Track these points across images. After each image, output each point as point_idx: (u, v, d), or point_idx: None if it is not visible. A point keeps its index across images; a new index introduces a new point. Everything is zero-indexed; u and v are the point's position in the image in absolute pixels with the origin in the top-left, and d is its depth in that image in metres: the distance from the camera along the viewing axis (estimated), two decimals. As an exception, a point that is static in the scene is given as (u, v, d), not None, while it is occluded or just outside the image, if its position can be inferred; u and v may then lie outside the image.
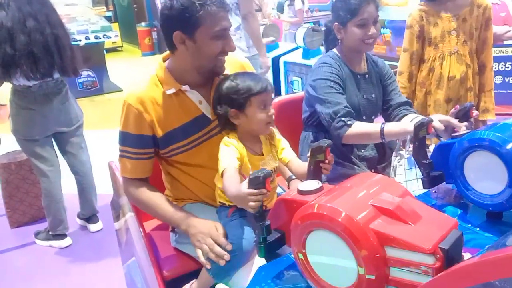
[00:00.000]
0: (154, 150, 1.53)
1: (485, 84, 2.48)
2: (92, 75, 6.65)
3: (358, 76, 1.90)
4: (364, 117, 1.91)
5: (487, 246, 0.96)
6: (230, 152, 1.35)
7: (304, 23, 5.80)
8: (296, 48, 4.58)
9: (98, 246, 2.88)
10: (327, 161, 1.25)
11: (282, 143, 1.53)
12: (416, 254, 0.74)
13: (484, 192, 1.24)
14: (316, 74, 1.84)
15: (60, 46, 2.47)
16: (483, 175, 1.23)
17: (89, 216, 3.00)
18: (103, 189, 2.78)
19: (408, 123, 1.63)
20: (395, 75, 2.04)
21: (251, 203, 1.09)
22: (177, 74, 1.48)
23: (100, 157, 2.77)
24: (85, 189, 2.91)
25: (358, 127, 1.73)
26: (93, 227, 3.00)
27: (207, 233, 1.38)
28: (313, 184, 1.01)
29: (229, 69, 1.51)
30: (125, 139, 1.50)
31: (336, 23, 1.84)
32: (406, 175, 1.83)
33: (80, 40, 6.18)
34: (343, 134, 1.73)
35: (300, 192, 1.01)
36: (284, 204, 1.07)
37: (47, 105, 2.57)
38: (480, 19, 2.35)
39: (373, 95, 1.93)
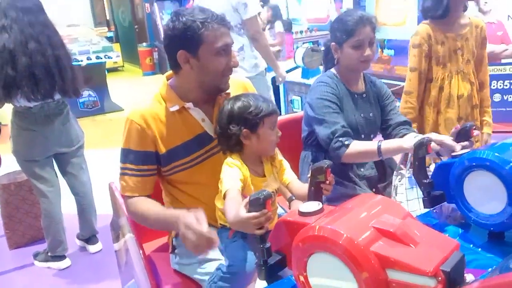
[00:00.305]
0: (157, 167, 1.52)
1: (485, 100, 2.53)
2: (93, 95, 6.69)
3: (356, 95, 1.91)
4: (362, 136, 1.92)
5: (490, 268, 0.95)
6: (233, 173, 1.35)
7: (304, 42, 5.85)
8: (296, 68, 4.62)
9: (98, 267, 2.85)
10: (327, 182, 1.25)
11: (284, 164, 1.54)
12: (418, 276, 0.74)
13: (484, 211, 1.24)
14: (313, 93, 1.86)
15: (61, 67, 2.49)
16: (482, 195, 1.23)
17: (88, 237, 2.98)
18: (103, 210, 2.76)
19: (404, 140, 1.65)
20: (393, 94, 2.05)
21: (255, 226, 1.07)
22: (180, 92, 1.50)
23: (101, 177, 2.76)
24: (85, 210, 2.90)
25: (355, 146, 1.74)
26: (92, 248, 2.98)
27: (189, 224, 1.28)
28: (314, 206, 1.01)
29: (232, 89, 1.53)
30: (127, 156, 1.49)
31: (333, 43, 1.87)
32: (407, 195, 1.82)
33: (82, 61, 6.24)
34: (341, 155, 1.74)
35: (301, 213, 1.00)
36: (285, 226, 1.06)
37: (48, 126, 2.58)
38: (478, 39, 2.39)
39: (371, 114, 1.94)
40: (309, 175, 1.27)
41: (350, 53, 1.81)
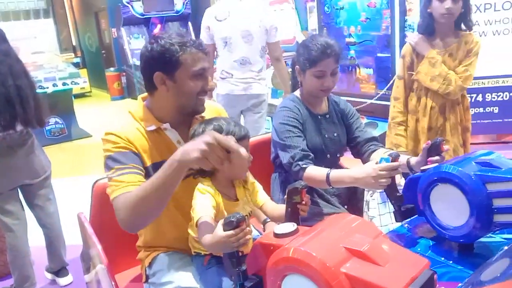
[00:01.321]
0: (144, 171, 1.43)
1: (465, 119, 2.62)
2: (60, 122, 6.55)
3: (319, 116, 1.95)
4: (328, 156, 1.94)
5: (461, 283, 0.96)
6: (205, 201, 1.33)
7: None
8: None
9: (68, 301, 2.74)
10: (303, 203, 1.26)
11: (256, 186, 1.54)
12: None
13: (449, 224, 1.27)
14: (277, 118, 1.89)
15: (23, 97, 2.43)
16: (448, 208, 1.27)
17: (58, 269, 2.87)
18: (73, 240, 2.67)
19: (354, 169, 1.64)
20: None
21: (234, 244, 1.06)
22: (156, 113, 1.50)
23: (70, 206, 2.68)
24: (53, 242, 2.79)
25: (310, 171, 1.75)
26: (62, 281, 2.86)
27: (200, 140, 1.16)
28: (289, 227, 1.01)
29: (206, 113, 1.55)
30: (113, 159, 1.40)
31: (297, 67, 1.91)
32: (380, 209, 1.86)
33: (48, 88, 6.12)
34: (301, 179, 1.75)
35: (276, 235, 1.01)
36: (261, 248, 1.05)
37: (12, 158, 2.50)
38: (463, 53, 2.45)
39: (335, 134, 1.96)
40: (285, 196, 1.28)
41: (312, 81, 1.85)
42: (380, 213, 1.88)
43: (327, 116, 1.97)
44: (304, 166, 1.75)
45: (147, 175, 1.44)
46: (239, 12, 3.13)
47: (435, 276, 0.78)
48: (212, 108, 1.67)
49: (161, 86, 1.44)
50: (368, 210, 1.91)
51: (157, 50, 1.40)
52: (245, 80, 3.22)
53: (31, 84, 2.51)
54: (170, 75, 1.42)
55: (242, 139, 1.40)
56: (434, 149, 1.57)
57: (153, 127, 1.48)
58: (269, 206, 1.50)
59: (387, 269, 0.77)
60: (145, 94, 1.56)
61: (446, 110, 2.50)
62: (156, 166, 1.44)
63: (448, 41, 2.46)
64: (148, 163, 1.46)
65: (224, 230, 1.08)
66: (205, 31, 3.26)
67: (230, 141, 1.19)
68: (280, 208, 1.45)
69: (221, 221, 1.10)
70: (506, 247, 1.10)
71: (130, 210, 1.30)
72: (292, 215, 1.25)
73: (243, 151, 1.21)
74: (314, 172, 1.74)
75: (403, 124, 2.58)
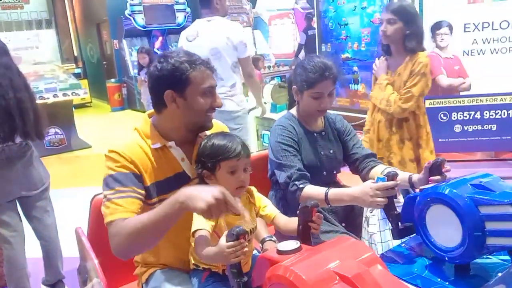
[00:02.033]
0: (144, 194, 1.44)
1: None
2: (60, 132, 6.56)
3: (315, 134, 1.96)
4: (324, 173, 1.95)
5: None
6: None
7: (272, 78, 5.99)
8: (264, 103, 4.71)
9: (64, 314, 2.72)
10: (314, 221, 1.27)
11: (263, 200, 1.55)
12: None
13: (443, 244, 1.28)
14: (273, 136, 1.91)
15: (22, 110, 2.44)
16: (442, 228, 1.28)
17: (54, 282, 2.85)
18: (71, 252, 2.66)
19: (352, 188, 1.65)
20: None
21: (231, 256, 1.11)
22: (163, 130, 1.51)
23: (68, 218, 2.67)
24: (50, 254, 2.78)
25: (308, 191, 1.76)
26: (58, 294, 2.85)
27: (209, 193, 1.16)
28: (291, 245, 1.03)
29: (212, 131, 1.56)
30: (115, 179, 1.40)
31: (295, 87, 1.92)
32: (380, 226, 1.85)
33: (48, 98, 6.15)
34: (297, 198, 1.76)
35: (279, 251, 1.03)
36: (264, 262, 1.08)
37: (10, 170, 2.50)
38: (409, 74, 2.53)
39: (331, 151, 1.98)
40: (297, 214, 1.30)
41: (309, 102, 1.87)
42: (380, 229, 1.87)
43: (323, 133, 1.99)
44: (301, 186, 1.76)
45: (148, 194, 1.45)
46: (206, 32, 3.22)
47: None
48: (218, 126, 1.68)
49: (171, 104, 1.45)
50: (368, 227, 1.91)
51: (167, 69, 1.42)
52: None
53: (31, 97, 2.53)
54: (181, 93, 1.44)
55: (227, 159, 1.40)
56: (436, 169, 1.58)
57: (158, 145, 1.49)
58: (281, 220, 1.51)
59: None
60: (151, 111, 1.57)
61: (392, 125, 2.64)
62: (158, 185, 1.47)
63: (398, 62, 2.59)
64: (149, 182, 1.46)
65: (227, 241, 1.13)
66: None
67: (237, 203, 1.18)
68: (293, 222, 1.44)
69: (225, 233, 1.15)
70: (500, 274, 1.10)
71: (125, 240, 1.31)
72: (303, 233, 1.27)
73: (246, 214, 1.29)
74: (312, 191, 1.75)
75: (368, 132, 2.81)
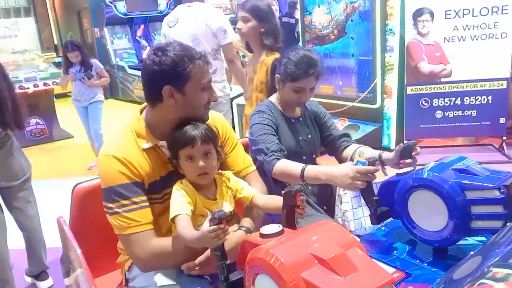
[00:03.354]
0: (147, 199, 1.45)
1: None
2: (41, 123, 6.45)
3: (293, 120, 2.00)
4: (304, 157, 1.97)
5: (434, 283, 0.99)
6: (181, 197, 1.38)
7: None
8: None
9: (48, 304, 2.71)
10: (298, 206, 1.28)
11: (240, 183, 1.55)
12: None
13: (427, 228, 1.30)
14: (252, 121, 1.93)
15: (0, 100, 2.40)
16: (425, 213, 1.30)
17: (38, 273, 2.84)
18: (54, 243, 2.65)
19: (331, 167, 1.66)
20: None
21: (214, 239, 1.14)
22: (155, 127, 1.48)
23: (50, 209, 2.65)
24: (33, 245, 2.76)
25: (283, 164, 1.76)
26: (42, 285, 2.82)
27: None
28: (274, 228, 1.04)
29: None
30: (118, 192, 1.38)
31: (278, 76, 1.93)
32: (353, 203, 1.87)
33: (28, 88, 6.04)
34: (272, 168, 1.76)
35: (261, 235, 1.04)
36: (247, 246, 1.09)
37: (-10, 160, 2.47)
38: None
39: (309, 136, 2.02)
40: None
41: (290, 94, 1.90)
42: (353, 207, 1.90)
43: (301, 119, 2.03)
44: (278, 157, 1.77)
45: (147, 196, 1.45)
46: (186, 18, 3.21)
47: None
48: (211, 116, 1.62)
49: (169, 99, 1.42)
50: (341, 204, 1.93)
51: (166, 64, 1.38)
52: None
53: (9, 87, 2.49)
54: (180, 88, 1.41)
55: (183, 147, 1.41)
56: (407, 152, 1.61)
57: (149, 145, 1.46)
58: (260, 199, 1.51)
59: (346, 280, 0.79)
60: (143, 105, 1.54)
61: None
62: (154, 184, 1.46)
63: (258, 59, 2.69)
64: (148, 182, 1.45)
65: (209, 226, 1.15)
66: (162, 38, 3.40)
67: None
68: (273, 199, 1.47)
69: (208, 217, 1.17)
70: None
71: (155, 261, 1.40)
72: (288, 217, 1.28)
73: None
74: (289, 164, 1.76)
75: None
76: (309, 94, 1.92)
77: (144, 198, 1.41)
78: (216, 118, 1.67)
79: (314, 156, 2.06)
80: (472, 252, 1.07)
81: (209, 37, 3.18)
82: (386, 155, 1.73)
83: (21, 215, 2.69)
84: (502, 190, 1.16)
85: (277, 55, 2.53)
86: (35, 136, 6.42)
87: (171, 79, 1.40)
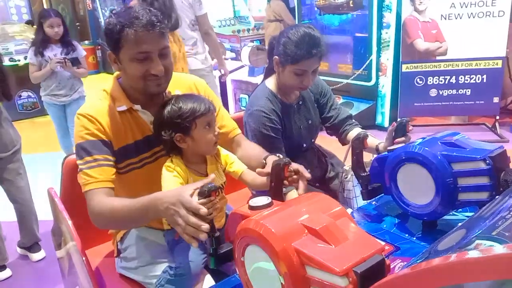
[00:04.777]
0: (114, 159, 1.41)
1: None
2: (33, 96, 6.37)
3: (293, 106, 1.89)
4: (304, 145, 1.94)
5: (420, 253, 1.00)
6: (172, 178, 1.34)
7: (251, 41, 5.89)
8: (241, 67, 4.66)
9: (41, 276, 2.73)
10: (287, 178, 1.28)
11: (230, 157, 1.54)
12: (330, 275, 0.75)
13: (416, 202, 1.31)
14: (255, 120, 1.79)
15: None
16: (414, 187, 1.30)
17: (30, 244, 2.85)
18: (45, 215, 2.65)
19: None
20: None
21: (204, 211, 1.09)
22: (128, 91, 1.45)
23: (42, 181, 2.64)
24: (25, 217, 2.76)
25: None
26: (34, 256, 2.85)
27: (176, 201, 1.13)
28: (263, 200, 1.04)
29: (179, 91, 1.51)
30: (84, 149, 1.37)
31: (276, 57, 1.77)
32: (355, 191, 1.87)
33: (19, 60, 5.94)
34: None
35: (250, 207, 1.03)
36: (236, 218, 1.09)
37: (-21, 131, 2.44)
38: None
39: (310, 121, 1.93)
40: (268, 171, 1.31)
41: (290, 77, 1.74)
42: (355, 195, 1.90)
43: (300, 102, 1.91)
44: None
45: (116, 159, 1.42)
46: None
47: (387, 261, 0.80)
48: (185, 82, 1.60)
49: (113, 64, 1.40)
50: (343, 192, 1.94)
51: (105, 28, 1.36)
52: None
53: (-3, 58, 2.44)
54: (117, 55, 1.37)
55: (202, 115, 1.37)
56: (400, 130, 1.60)
57: (124, 107, 1.43)
58: (249, 176, 1.49)
59: (337, 249, 0.79)
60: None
61: None
62: (127, 148, 1.44)
63: None
64: (118, 146, 1.42)
65: (198, 199, 1.12)
66: None
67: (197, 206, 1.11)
68: (262, 177, 1.45)
69: (197, 191, 1.13)
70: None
71: (98, 217, 1.35)
72: (275, 190, 1.28)
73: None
74: None
75: None
76: (312, 77, 1.75)
77: (108, 157, 1.38)
78: (197, 83, 1.64)
79: (313, 140, 2.01)
80: (459, 224, 1.09)
81: (186, 9, 3.24)
82: (382, 145, 1.69)
83: (12, 187, 2.68)
84: (487, 162, 1.16)
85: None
86: (26, 109, 6.36)
87: (109, 44, 1.37)
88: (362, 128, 1.93)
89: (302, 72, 1.71)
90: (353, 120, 1.99)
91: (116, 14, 1.36)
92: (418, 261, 0.83)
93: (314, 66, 1.72)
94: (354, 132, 1.89)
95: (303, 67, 1.70)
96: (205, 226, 1.08)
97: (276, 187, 1.27)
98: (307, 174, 1.34)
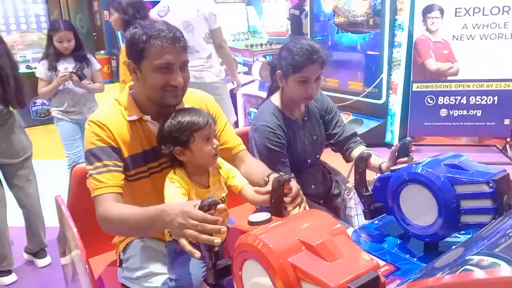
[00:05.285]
0: (123, 166, 1.44)
1: None
2: (47, 103, 6.47)
3: (299, 121, 1.90)
4: (309, 160, 1.95)
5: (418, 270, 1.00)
6: (175, 189, 1.37)
7: (264, 55, 5.93)
8: (252, 81, 4.71)
9: (45, 282, 2.74)
10: (287, 194, 1.29)
11: (232, 171, 1.56)
12: None
13: (418, 223, 1.31)
14: (260, 135, 1.80)
15: (3, 77, 2.41)
16: (416, 208, 1.30)
17: (36, 250, 2.88)
18: (53, 222, 2.68)
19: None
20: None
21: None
22: (139, 102, 1.50)
23: (51, 188, 2.67)
24: (32, 223, 2.80)
25: None
26: (40, 262, 2.87)
27: (180, 213, 1.15)
28: (262, 216, 1.05)
29: (189, 105, 1.55)
30: (93, 155, 1.41)
31: (279, 72, 1.80)
32: (357, 209, 1.87)
33: (35, 68, 6.03)
34: None
35: (250, 222, 1.05)
36: (236, 233, 1.10)
37: (-9, 137, 2.48)
38: None
39: (315, 137, 1.95)
40: (269, 187, 1.31)
41: (295, 87, 1.77)
42: (357, 213, 1.90)
43: (305, 118, 1.93)
44: None
45: (125, 167, 1.45)
46: (177, 6, 3.28)
47: (382, 279, 0.81)
48: (196, 99, 1.63)
49: (132, 74, 1.45)
50: (346, 209, 1.94)
51: (127, 38, 1.41)
52: (195, 69, 3.29)
53: (12, 64, 2.50)
54: (138, 65, 1.41)
55: (199, 129, 1.40)
56: (403, 150, 1.60)
57: (134, 117, 1.47)
58: (249, 191, 1.49)
59: (333, 265, 0.80)
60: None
61: None
62: (135, 157, 1.47)
63: None
64: (127, 154, 1.46)
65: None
66: None
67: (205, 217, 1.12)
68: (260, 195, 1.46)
69: (197, 205, 1.15)
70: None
71: (106, 222, 1.38)
72: (276, 206, 1.28)
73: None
74: None
75: None
76: (316, 86, 1.77)
77: (117, 163, 1.42)
78: (207, 100, 1.68)
79: (318, 156, 2.02)
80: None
81: (201, 22, 3.26)
82: (384, 165, 1.69)
83: (21, 193, 2.72)
84: (491, 184, 1.16)
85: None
86: (40, 116, 6.47)
87: (130, 54, 1.42)
88: (369, 146, 1.94)
89: (306, 80, 1.74)
90: (358, 138, 2.00)
91: (141, 26, 1.41)
92: (414, 278, 0.84)
93: (316, 72, 1.75)
94: (358, 150, 1.90)
95: (305, 74, 1.74)
96: (224, 228, 1.10)
97: (276, 203, 1.27)
98: (299, 197, 1.34)
